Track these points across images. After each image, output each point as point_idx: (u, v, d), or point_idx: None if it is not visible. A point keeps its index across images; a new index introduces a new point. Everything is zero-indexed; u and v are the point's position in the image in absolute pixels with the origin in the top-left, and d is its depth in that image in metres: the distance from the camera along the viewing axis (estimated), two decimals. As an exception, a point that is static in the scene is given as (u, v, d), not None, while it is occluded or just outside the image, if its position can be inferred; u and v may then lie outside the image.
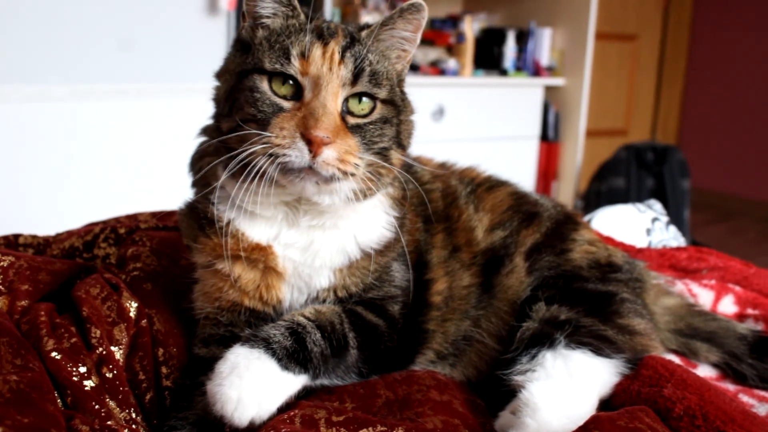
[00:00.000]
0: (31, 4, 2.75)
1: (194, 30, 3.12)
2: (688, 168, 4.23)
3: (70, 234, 1.58)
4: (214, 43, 3.12)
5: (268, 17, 1.10)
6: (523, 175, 4.44)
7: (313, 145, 0.99)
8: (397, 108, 1.12)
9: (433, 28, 4.62)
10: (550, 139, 4.66)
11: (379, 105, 1.09)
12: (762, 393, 1.25)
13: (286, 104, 1.04)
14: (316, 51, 1.04)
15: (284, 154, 1.00)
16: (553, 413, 1.02)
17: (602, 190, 4.22)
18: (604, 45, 5.25)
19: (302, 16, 1.10)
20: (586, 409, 1.06)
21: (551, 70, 4.61)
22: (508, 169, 1.54)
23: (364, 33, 1.11)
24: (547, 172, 4.71)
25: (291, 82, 1.05)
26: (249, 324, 1.16)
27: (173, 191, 1.40)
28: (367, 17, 4.10)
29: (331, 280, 1.15)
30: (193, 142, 1.22)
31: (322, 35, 1.06)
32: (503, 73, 4.50)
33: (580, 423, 0.98)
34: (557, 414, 1.03)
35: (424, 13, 1.11)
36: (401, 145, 1.14)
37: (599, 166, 4.37)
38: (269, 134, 1.00)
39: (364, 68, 1.06)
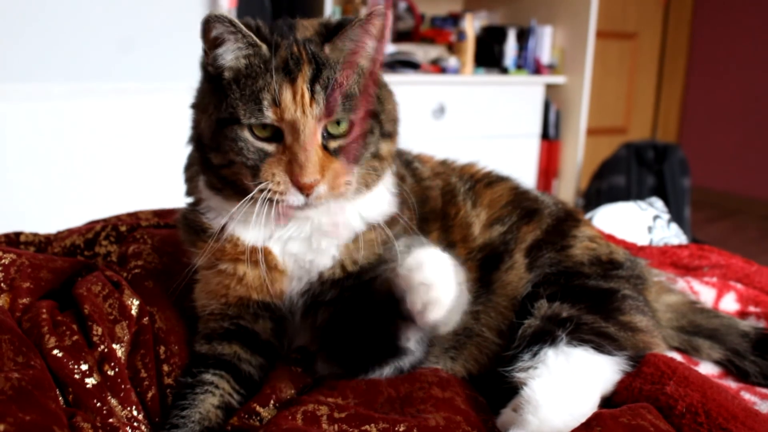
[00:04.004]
0: (30, 3, 2.75)
1: (194, 28, 3.10)
2: (688, 166, 4.22)
3: (71, 232, 1.58)
4: (215, 41, 3.11)
5: (231, 60, 1.07)
6: (524, 173, 4.40)
7: (304, 189, 1.03)
8: (375, 112, 1.10)
9: (433, 26, 4.62)
10: (550, 137, 4.65)
11: None
12: (764, 390, 1.24)
13: (270, 148, 1.05)
14: (286, 95, 1.02)
15: (283, 199, 1.05)
16: (555, 410, 1.03)
17: (603, 188, 4.21)
18: (604, 43, 5.24)
19: (263, 48, 1.05)
20: (588, 406, 1.06)
21: (552, 68, 4.61)
22: (509, 167, 1.53)
23: (327, 50, 1.06)
24: (548, 170, 4.71)
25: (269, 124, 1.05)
26: (257, 315, 1.18)
27: (174, 189, 1.40)
28: (367, 15, 4.09)
29: (336, 256, 1.15)
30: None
31: (288, 69, 1.03)
32: (504, 71, 4.49)
33: (583, 420, 0.98)
34: (559, 411, 1.03)
35: (383, 17, 1.07)
36: (387, 135, 1.13)
37: (600, 164, 4.37)
38: (265, 182, 1.04)
39: (335, 98, 1.04)
